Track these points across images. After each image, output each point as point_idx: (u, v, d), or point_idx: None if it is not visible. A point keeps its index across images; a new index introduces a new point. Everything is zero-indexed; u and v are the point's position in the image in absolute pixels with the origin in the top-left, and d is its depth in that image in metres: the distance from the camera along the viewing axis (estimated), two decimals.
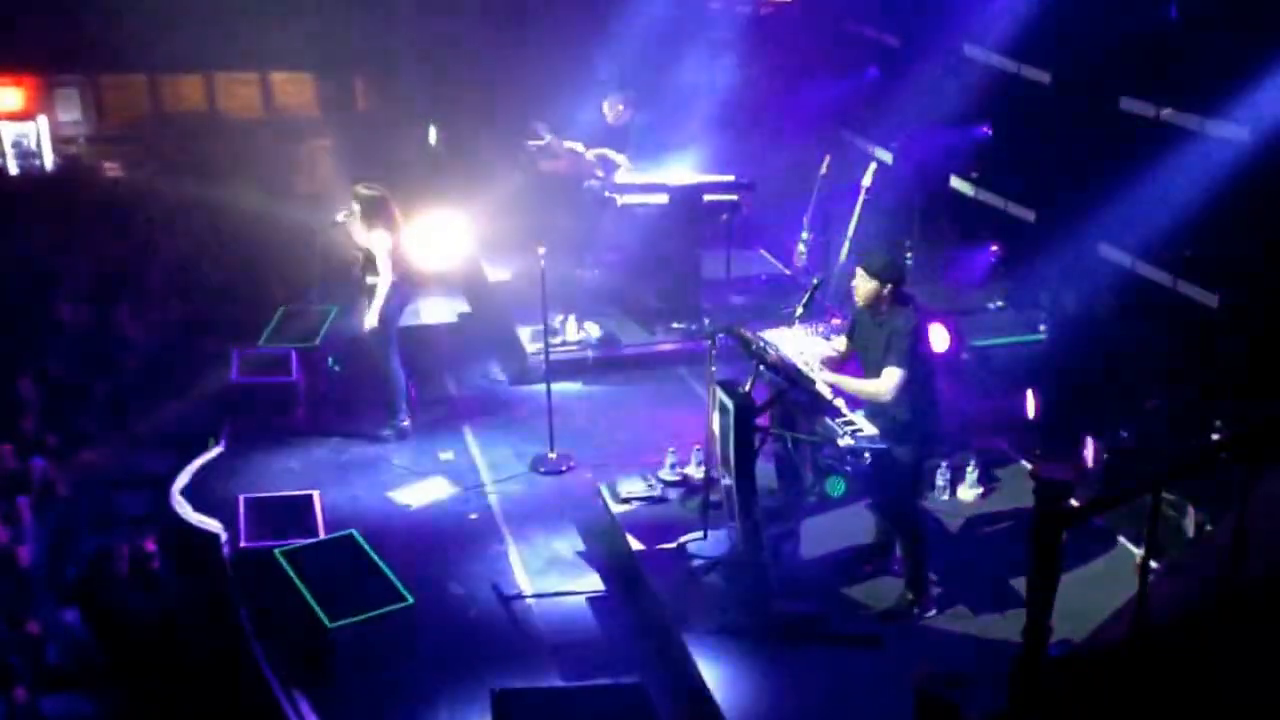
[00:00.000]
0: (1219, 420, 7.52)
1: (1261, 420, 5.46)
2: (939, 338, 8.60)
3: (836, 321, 7.70)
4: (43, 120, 14.24)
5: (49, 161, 14.14)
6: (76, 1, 13.43)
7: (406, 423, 9.03)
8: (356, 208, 8.61)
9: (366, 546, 7.01)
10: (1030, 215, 9.21)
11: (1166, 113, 7.78)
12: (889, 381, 6.33)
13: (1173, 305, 7.90)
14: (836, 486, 7.28)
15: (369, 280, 8.72)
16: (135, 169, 14.14)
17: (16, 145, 14.01)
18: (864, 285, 6.47)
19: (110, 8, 13.12)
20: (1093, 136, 8.62)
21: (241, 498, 7.71)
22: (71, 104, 14.72)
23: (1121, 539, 7.17)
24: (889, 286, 6.40)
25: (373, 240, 8.59)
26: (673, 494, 7.96)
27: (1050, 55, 8.99)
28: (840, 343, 6.91)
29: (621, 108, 10.56)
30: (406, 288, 8.96)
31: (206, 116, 15.23)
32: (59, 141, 14.41)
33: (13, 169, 13.98)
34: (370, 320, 8.65)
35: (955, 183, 10.09)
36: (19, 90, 14.27)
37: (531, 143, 10.98)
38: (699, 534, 7.27)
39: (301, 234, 11.28)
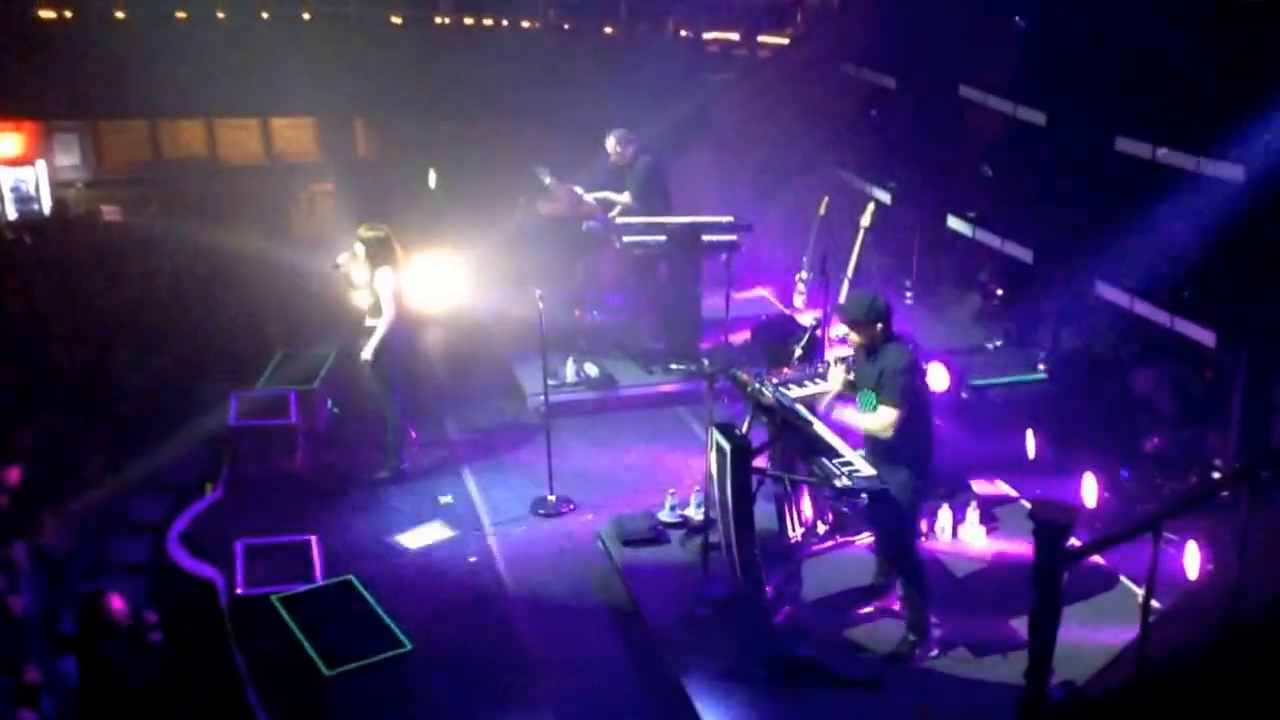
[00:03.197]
0: (1218, 459, 7.51)
1: (1260, 458, 5.45)
2: (938, 377, 8.61)
3: (839, 361, 7.71)
4: (41, 165, 14.34)
5: (47, 206, 14.22)
6: (77, 47, 13.54)
7: (405, 465, 9.02)
8: (360, 249, 8.62)
9: (365, 592, 6.96)
10: (1028, 255, 9.23)
11: (1162, 153, 7.82)
12: (885, 419, 6.34)
13: (1171, 343, 7.89)
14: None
15: (370, 322, 8.72)
16: (135, 213, 14.22)
17: (15, 190, 14.11)
18: (856, 334, 6.52)
19: (110, 53, 13.23)
20: (1089, 176, 8.66)
21: (239, 543, 7.67)
22: (71, 149, 14.84)
23: (1123, 579, 7.13)
24: (879, 325, 6.44)
25: (376, 279, 8.60)
26: (673, 536, 7.93)
27: (1046, 96, 9.05)
28: (838, 376, 6.91)
29: (623, 146, 10.53)
30: (407, 329, 8.97)
31: (207, 161, 15.33)
32: (58, 186, 14.49)
33: (11, 214, 14.05)
34: (365, 353, 8.65)
35: (953, 222, 10.12)
36: (18, 135, 14.39)
37: (538, 177, 10.97)
38: (699, 576, 7.23)
39: (301, 278, 11.32)
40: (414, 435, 9.25)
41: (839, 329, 9.05)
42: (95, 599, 6.56)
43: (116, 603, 6.54)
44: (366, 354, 8.64)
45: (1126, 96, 8.29)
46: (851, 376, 6.74)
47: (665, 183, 10.61)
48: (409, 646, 6.49)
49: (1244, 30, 7.32)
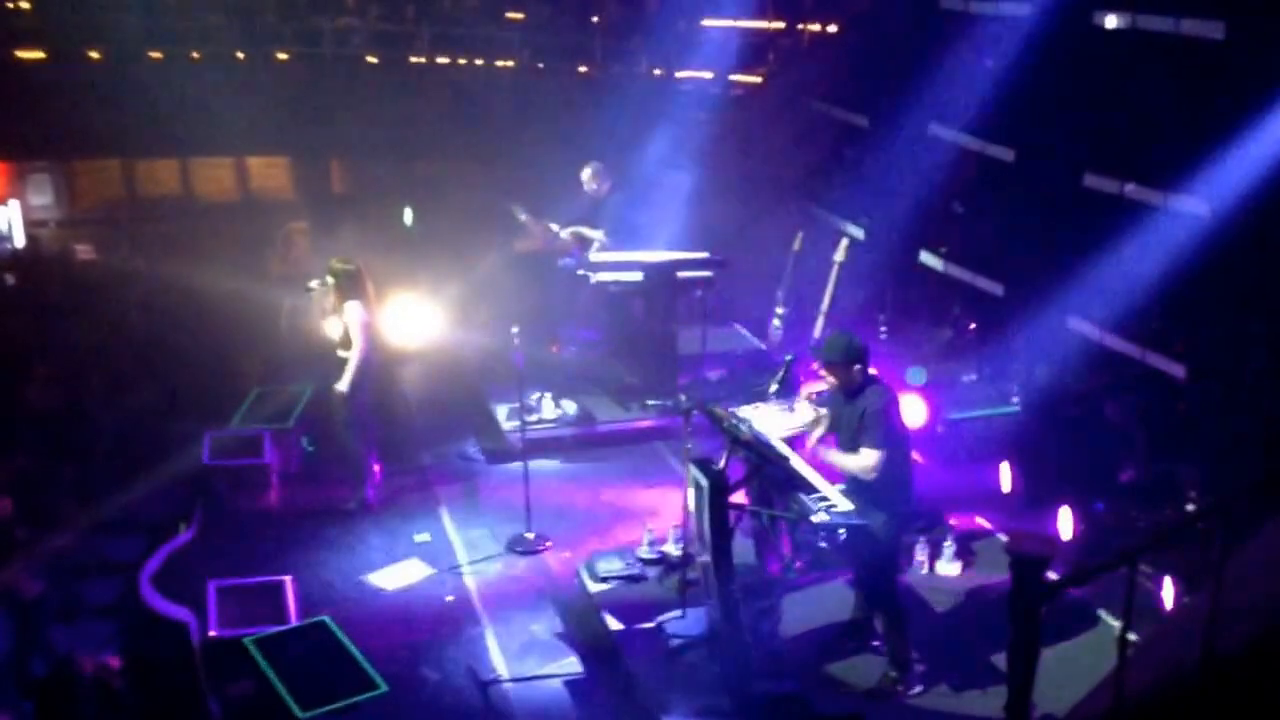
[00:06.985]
0: (1192, 491, 7.56)
1: (1234, 490, 5.49)
2: (914, 411, 8.64)
3: (811, 396, 7.74)
4: (15, 204, 14.30)
5: (20, 245, 14.16)
6: (50, 87, 13.53)
7: (369, 494, 9.00)
8: (331, 281, 8.66)
9: (339, 633, 6.88)
10: (999, 289, 9.31)
11: (1130, 188, 7.93)
12: (868, 461, 6.37)
13: (1142, 376, 7.97)
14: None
15: (342, 354, 8.72)
16: (109, 252, 14.17)
17: None
18: (833, 374, 6.53)
19: (84, 93, 13.23)
20: (1058, 212, 8.76)
21: (211, 584, 7.59)
22: (44, 188, 14.82)
23: (1100, 612, 7.15)
24: (857, 366, 6.47)
25: (347, 312, 8.62)
26: (651, 572, 7.90)
27: (1014, 134, 9.17)
28: (806, 411, 6.93)
29: (600, 178, 10.60)
30: (378, 362, 8.98)
31: (181, 199, 15.31)
32: (31, 225, 14.43)
33: None
34: (342, 385, 8.65)
35: (925, 257, 10.21)
36: None
37: (513, 214, 11.00)
38: (677, 613, 7.20)
39: (275, 315, 11.29)
40: (378, 468, 9.19)
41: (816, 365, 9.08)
42: (68, 663, 6.49)
43: (89, 666, 6.47)
44: (343, 386, 8.64)
45: (1093, 134, 8.42)
46: (823, 413, 6.76)
47: (638, 224, 10.65)
48: (384, 688, 6.41)
49: (1207, 67, 7.45)
